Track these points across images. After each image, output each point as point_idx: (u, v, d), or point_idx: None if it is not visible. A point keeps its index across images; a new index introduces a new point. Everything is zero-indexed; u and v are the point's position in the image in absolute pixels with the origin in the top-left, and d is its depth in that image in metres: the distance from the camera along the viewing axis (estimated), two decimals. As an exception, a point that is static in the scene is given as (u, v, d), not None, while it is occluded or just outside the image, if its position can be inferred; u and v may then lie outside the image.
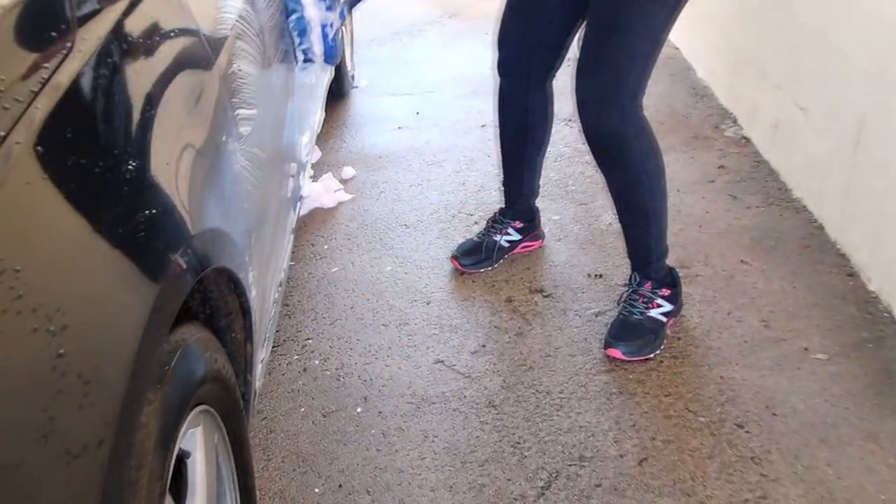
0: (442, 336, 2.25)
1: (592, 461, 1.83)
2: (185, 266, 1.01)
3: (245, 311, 1.37)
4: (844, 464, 1.80)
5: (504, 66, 2.32)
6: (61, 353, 0.73)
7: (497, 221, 2.54)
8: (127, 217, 0.91)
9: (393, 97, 3.95)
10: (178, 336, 1.06)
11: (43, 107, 0.81)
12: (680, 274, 2.28)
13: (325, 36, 2.20)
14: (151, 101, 1.05)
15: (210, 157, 1.22)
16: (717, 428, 1.91)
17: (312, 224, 2.84)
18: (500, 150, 2.48)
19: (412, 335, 2.26)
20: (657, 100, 3.53)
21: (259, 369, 1.59)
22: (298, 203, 2.28)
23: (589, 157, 2.26)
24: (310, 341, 2.25)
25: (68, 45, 0.90)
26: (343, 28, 3.51)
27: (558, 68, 2.30)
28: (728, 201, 2.84)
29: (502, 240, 2.52)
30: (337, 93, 3.73)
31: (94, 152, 0.88)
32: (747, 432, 1.89)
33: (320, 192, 2.96)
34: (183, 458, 1.09)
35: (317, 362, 2.17)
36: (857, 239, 2.44)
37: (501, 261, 2.54)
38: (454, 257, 2.52)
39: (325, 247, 2.70)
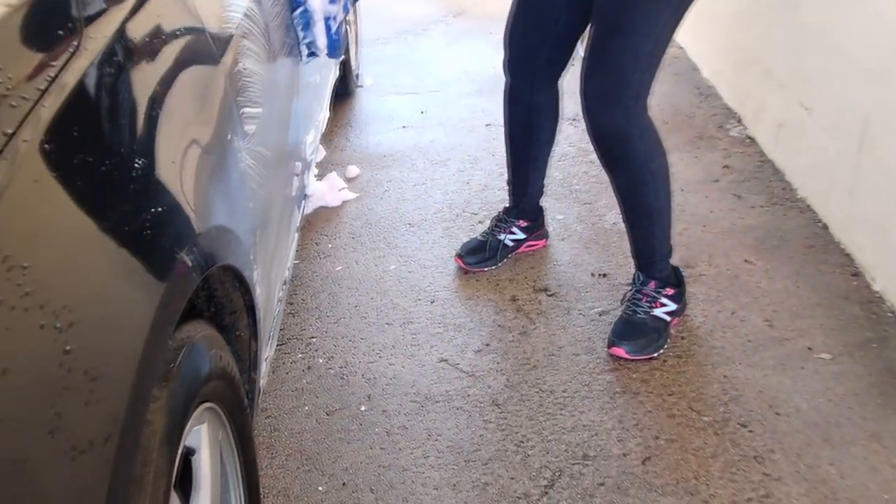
0: (446, 335, 2.26)
1: (596, 460, 1.84)
2: (190, 264, 1.02)
3: (250, 308, 1.38)
4: (848, 463, 1.80)
5: (511, 66, 2.32)
6: (68, 350, 0.74)
7: (501, 220, 2.55)
8: (133, 215, 0.92)
9: (398, 96, 3.95)
10: (184, 333, 1.07)
11: (50, 105, 0.81)
12: (684, 273, 2.28)
13: (328, 29, 2.19)
14: (157, 100, 1.06)
15: (216, 156, 1.23)
16: (721, 427, 1.91)
17: (317, 222, 2.84)
18: (505, 148, 2.48)
19: (416, 334, 2.26)
20: (662, 99, 3.53)
21: (264, 367, 1.59)
22: (303, 201, 2.29)
23: (593, 157, 2.26)
24: (314, 340, 2.26)
25: (75, 43, 0.90)
26: (348, 26, 3.51)
27: (565, 68, 2.30)
28: (732, 201, 2.84)
29: (507, 239, 2.53)
30: (342, 92, 3.73)
31: (101, 150, 0.89)
32: (750, 431, 1.89)
33: (325, 191, 2.96)
34: (188, 454, 1.09)
35: (321, 360, 2.18)
36: (862, 239, 2.44)
37: (506, 260, 2.54)
38: (458, 256, 2.53)
39: (330, 245, 2.71)
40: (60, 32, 0.89)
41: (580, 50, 2.16)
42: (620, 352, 2.12)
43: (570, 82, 2.27)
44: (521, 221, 2.54)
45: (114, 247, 0.87)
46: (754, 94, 3.30)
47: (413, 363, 2.15)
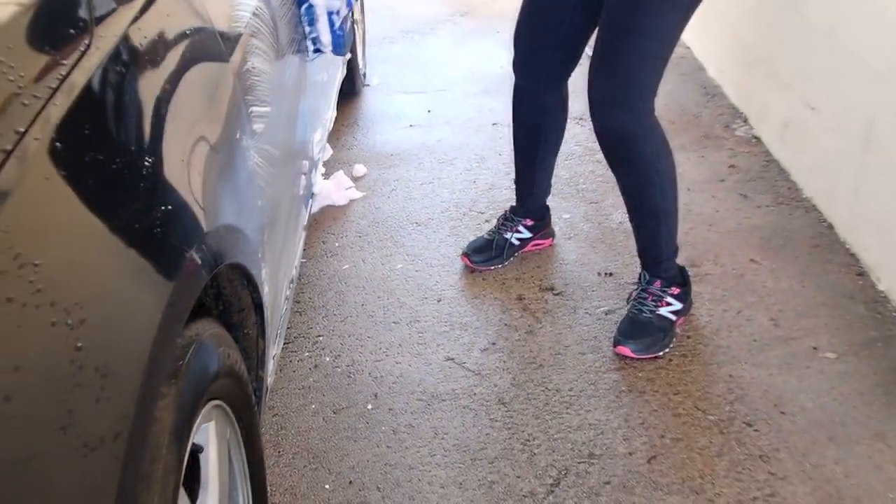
0: (452, 333, 2.26)
1: (602, 459, 1.84)
2: (199, 262, 1.02)
3: (258, 307, 1.38)
4: (853, 462, 1.80)
5: (519, 66, 2.32)
6: (79, 347, 0.74)
7: (508, 219, 2.55)
8: (143, 213, 0.92)
9: (405, 95, 3.96)
10: (193, 331, 1.07)
11: (60, 104, 0.82)
12: (690, 272, 2.28)
13: (331, 24, 2.19)
14: (167, 99, 1.06)
15: (224, 154, 1.23)
16: (726, 426, 1.91)
17: (324, 221, 2.85)
18: (512, 148, 2.48)
19: (423, 332, 2.27)
20: (668, 99, 3.53)
21: (271, 365, 1.60)
22: (310, 200, 2.29)
23: (600, 156, 2.26)
24: (321, 338, 2.26)
25: (86, 43, 0.91)
26: (355, 25, 3.52)
27: (573, 69, 2.30)
28: (738, 200, 2.84)
29: (513, 237, 2.53)
30: (349, 91, 3.74)
31: (111, 149, 0.90)
32: (756, 430, 1.90)
33: (332, 190, 2.96)
34: (196, 452, 1.10)
35: (328, 359, 2.18)
36: (867, 238, 2.44)
37: (512, 259, 2.55)
38: (465, 255, 2.53)
39: (337, 244, 2.72)
40: (71, 31, 0.90)
41: (588, 50, 2.16)
42: (626, 351, 2.12)
43: (577, 81, 2.28)
44: (527, 220, 2.54)
45: (123, 245, 0.87)
46: (760, 94, 3.30)
47: (420, 362, 2.16)
